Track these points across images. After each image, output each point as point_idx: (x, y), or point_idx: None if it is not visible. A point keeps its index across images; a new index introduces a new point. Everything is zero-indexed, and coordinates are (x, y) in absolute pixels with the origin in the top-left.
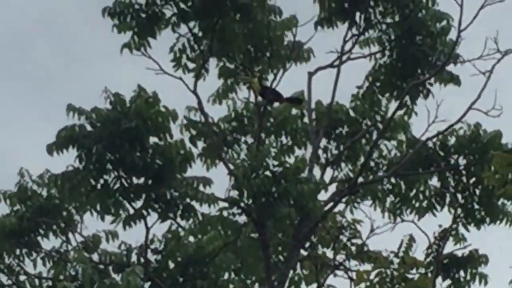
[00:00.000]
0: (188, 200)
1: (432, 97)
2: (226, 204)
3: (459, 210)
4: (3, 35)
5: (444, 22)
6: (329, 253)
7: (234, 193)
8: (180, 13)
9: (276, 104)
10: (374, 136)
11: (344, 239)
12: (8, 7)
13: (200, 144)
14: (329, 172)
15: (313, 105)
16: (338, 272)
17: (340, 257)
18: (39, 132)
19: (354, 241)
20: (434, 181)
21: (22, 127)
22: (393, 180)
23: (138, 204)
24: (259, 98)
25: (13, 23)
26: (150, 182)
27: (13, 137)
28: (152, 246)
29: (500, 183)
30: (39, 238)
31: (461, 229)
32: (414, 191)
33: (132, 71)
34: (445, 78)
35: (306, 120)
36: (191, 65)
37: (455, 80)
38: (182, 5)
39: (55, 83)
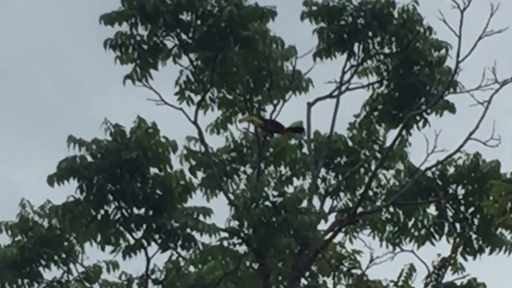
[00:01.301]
0: (188, 230)
1: (429, 126)
2: (226, 234)
3: (457, 240)
4: (4, 66)
5: (443, 51)
6: (330, 283)
7: (234, 223)
8: (181, 45)
9: (277, 135)
10: (373, 166)
11: (344, 269)
12: (8, 39)
13: (200, 174)
14: (328, 202)
15: (312, 136)
16: None
17: (340, 287)
18: (41, 163)
19: (353, 271)
20: (433, 210)
21: (23, 159)
22: (391, 209)
23: (139, 234)
24: (260, 130)
25: (13, 55)
26: (150, 212)
27: (15, 169)
28: (153, 276)
29: (499, 212)
30: (40, 268)
31: (460, 259)
32: (413, 220)
33: (133, 102)
34: (441, 107)
35: (305, 150)
36: (194, 98)
37: (450, 107)
38: (183, 37)
39: (56, 115)
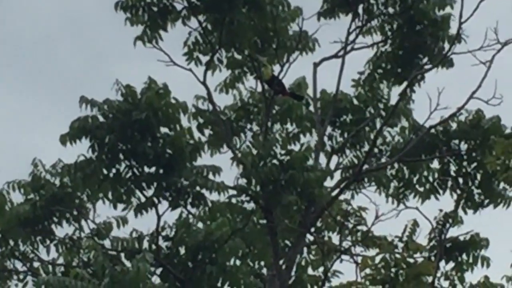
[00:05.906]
0: (198, 188)
1: (433, 84)
2: (234, 192)
3: (460, 194)
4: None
5: (448, 8)
6: (335, 239)
7: (243, 181)
8: (190, 7)
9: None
10: (378, 124)
11: (350, 226)
12: (34, 7)
13: (207, 132)
14: (334, 159)
15: (318, 95)
16: (344, 257)
17: (346, 243)
18: (54, 125)
19: (359, 227)
20: (436, 165)
21: (36, 120)
22: (396, 165)
23: (150, 192)
24: (266, 86)
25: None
26: (161, 171)
27: (28, 130)
28: (163, 233)
29: (502, 169)
30: (52, 225)
31: (462, 213)
32: (417, 176)
33: (143, 65)
34: (442, 63)
35: (311, 108)
36: (203, 58)
37: (449, 62)
38: None
39: (68, 78)
